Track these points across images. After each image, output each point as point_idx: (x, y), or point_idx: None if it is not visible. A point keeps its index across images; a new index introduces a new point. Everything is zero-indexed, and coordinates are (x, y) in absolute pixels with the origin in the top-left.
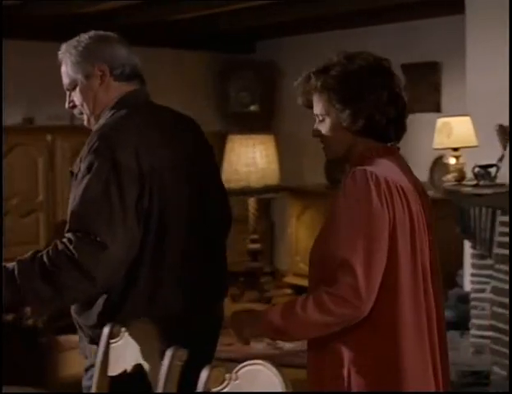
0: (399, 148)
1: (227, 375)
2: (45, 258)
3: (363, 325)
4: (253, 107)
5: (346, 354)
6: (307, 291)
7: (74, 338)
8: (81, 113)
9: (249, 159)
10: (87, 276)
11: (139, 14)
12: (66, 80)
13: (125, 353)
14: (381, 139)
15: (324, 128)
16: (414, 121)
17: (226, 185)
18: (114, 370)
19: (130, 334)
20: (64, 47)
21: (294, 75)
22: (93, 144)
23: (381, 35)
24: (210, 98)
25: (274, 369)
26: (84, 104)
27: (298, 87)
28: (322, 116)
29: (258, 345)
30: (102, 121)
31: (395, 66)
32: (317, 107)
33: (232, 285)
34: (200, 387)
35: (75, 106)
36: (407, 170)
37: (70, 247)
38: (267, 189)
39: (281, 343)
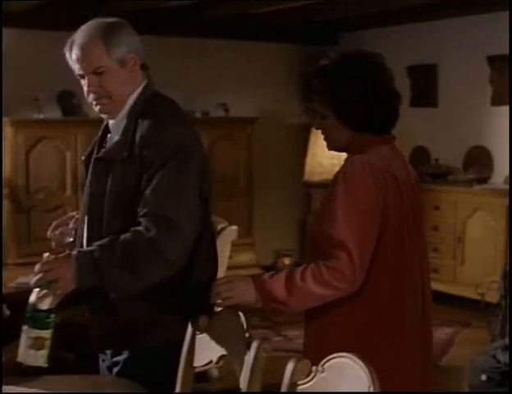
0: (394, 138)
1: (314, 368)
2: (125, 244)
3: (352, 299)
4: None
5: (338, 325)
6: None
7: None
8: (98, 99)
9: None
10: (166, 260)
11: (224, 7)
12: (94, 64)
13: (211, 344)
14: (378, 131)
15: (325, 125)
16: (500, 112)
17: (310, 178)
18: (199, 362)
19: (217, 325)
20: (90, 30)
21: None
22: (159, 135)
23: (467, 27)
24: (294, 90)
25: (361, 362)
26: (113, 91)
27: (302, 81)
28: (321, 113)
29: None
30: (134, 108)
31: (481, 58)
32: (317, 106)
33: None
34: (286, 379)
35: (97, 92)
36: (401, 160)
37: (150, 233)
38: None
39: None
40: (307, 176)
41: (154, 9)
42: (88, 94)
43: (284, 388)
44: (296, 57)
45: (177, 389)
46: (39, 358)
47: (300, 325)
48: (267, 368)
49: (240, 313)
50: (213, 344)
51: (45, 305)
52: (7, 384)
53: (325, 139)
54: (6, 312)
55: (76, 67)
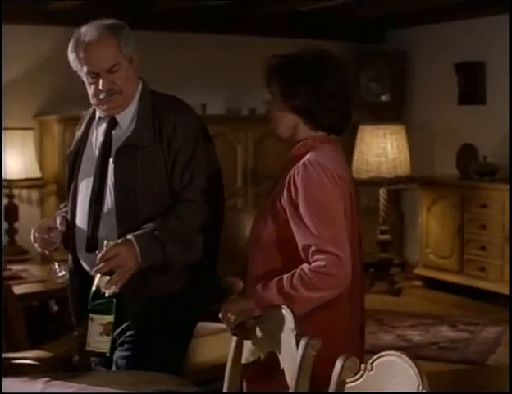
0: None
1: (362, 366)
2: (179, 221)
3: None
4: (383, 97)
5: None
6: (252, 268)
7: (210, 325)
8: (110, 96)
9: (380, 149)
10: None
11: (271, 5)
12: (110, 62)
13: (260, 341)
14: (320, 127)
15: (272, 106)
16: None
17: (357, 176)
18: (247, 358)
19: (266, 322)
20: (100, 30)
21: (424, 65)
22: (188, 126)
23: None
24: None
25: (409, 361)
26: (125, 87)
27: (263, 68)
28: (271, 93)
29: (387, 337)
30: (142, 100)
31: None
32: (269, 87)
33: None
34: (335, 376)
35: (110, 89)
36: (344, 160)
37: (197, 207)
38: (398, 179)
39: (410, 335)
40: (354, 174)
41: (199, 7)
42: (98, 93)
43: (332, 386)
44: (343, 54)
45: (225, 387)
46: (108, 343)
47: None
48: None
49: (289, 311)
50: (262, 341)
51: (111, 291)
52: (57, 379)
53: (268, 122)
54: (54, 307)
55: (87, 67)
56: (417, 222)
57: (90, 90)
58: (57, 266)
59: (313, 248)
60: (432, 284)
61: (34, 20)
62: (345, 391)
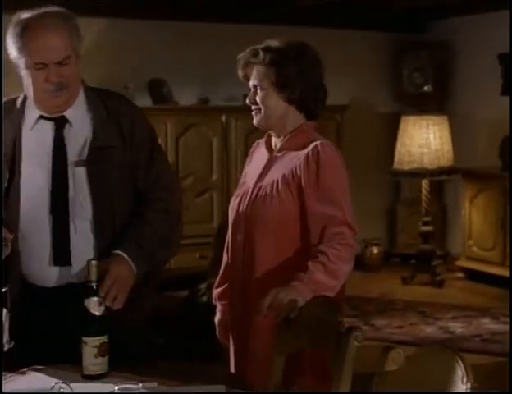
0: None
1: (406, 357)
2: (157, 223)
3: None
4: (426, 88)
5: None
6: (258, 244)
7: None
8: (58, 90)
9: (423, 140)
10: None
11: None
12: (62, 54)
13: (302, 333)
14: (310, 113)
15: (260, 97)
16: None
17: (399, 167)
18: (288, 348)
19: (309, 312)
20: (51, 19)
21: (468, 56)
22: (144, 123)
23: None
24: (383, 79)
25: (453, 353)
26: (73, 81)
27: (240, 59)
28: (261, 86)
29: (428, 329)
30: (89, 99)
31: None
32: (258, 79)
33: (404, 267)
34: (378, 367)
35: (59, 83)
36: None
37: (169, 204)
38: (441, 170)
39: (452, 328)
40: (396, 165)
41: None
42: (44, 86)
43: (376, 377)
44: (385, 44)
45: (269, 380)
46: (106, 364)
47: (388, 314)
48: (356, 358)
49: (331, 301)
50: (304, 332)
51: (101, 311)
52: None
53: (256, 114)
54: None
55: (34, 57)
56: (459, 214)
57: (32, 84)
58: None
59: (337, 218)
60: (474, 276)
61: (76, 11)
62: (388, 382)
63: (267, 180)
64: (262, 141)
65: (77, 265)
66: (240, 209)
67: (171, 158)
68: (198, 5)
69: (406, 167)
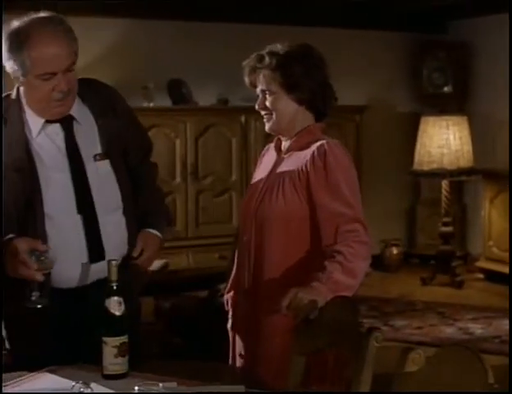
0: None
1: (426, 357)
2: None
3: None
4: (446, 88)
5: None
6: (271, 249)
7: None
8: (65, 97)
9: (443, 141)
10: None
11: None
12: (70, 60)
13: (321, 333)
14: (319, 113)
15: (270, 101)
16: None
17: (419, 167)
18: (308, 348)
19: (328, 312)
20: (57, 25)
21: (488, 56)
22: (135, 118)
23: None
24: (403, 79)
25: (474, 354)
26: (75, 85)
27: (246, 67)
28: (269, 91)
29: (448, 330)
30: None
31: None
32: (265, 84)
33: (423, 268)
34: (398, 368)
35: (69, 89)
36: None
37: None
38: (460, 171)
39: (471, 329)
40: (415, 166)
41: None
42: (51, 95)
43: (395, 378)
44: (405, 45)
45: (288, 379)
46: (125, 364)
47: (407, 315)
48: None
49: (350, 302)
50: (323, 332)
51: (121, 311)
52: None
53: (267, 120)
54: None
55: (41, 67)
56: (479, 215)
57: (37, 94)
58: None
59: (348, 216)
60: (494, 277)
61: (94, 12)
62: (408, 382)
63: (274, 180)
64: (271, 145)
65: (109, 257)
66: (247, 210)
67: (190, 158)
68: (218, 5)
69: (426, 168)
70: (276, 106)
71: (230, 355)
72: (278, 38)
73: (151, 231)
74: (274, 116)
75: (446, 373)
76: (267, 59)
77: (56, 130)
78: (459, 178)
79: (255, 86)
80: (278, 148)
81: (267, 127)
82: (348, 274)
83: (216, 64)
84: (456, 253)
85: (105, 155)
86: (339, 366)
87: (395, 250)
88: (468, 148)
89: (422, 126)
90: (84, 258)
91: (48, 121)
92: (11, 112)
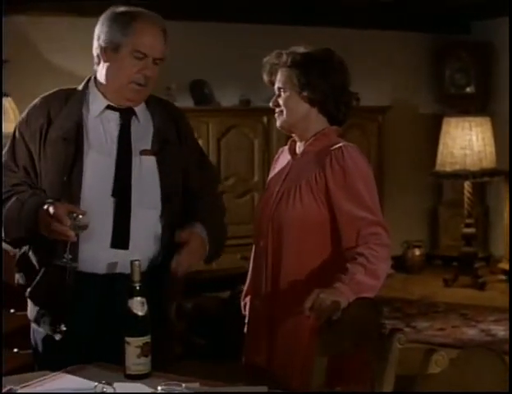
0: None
1: (449, 359)
2: (220, 209)
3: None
4: (468, 89)
5: None
6: (287, 253)
7: None
8: (145, 86)
9: (465, 142)
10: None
11: None
12: (162, 53)
13: (344, 335)
14: (332, 117)
15: (283, 99)
16: None
17: (441, 169)
18: (331, 350)
19: (351, 313)
20: (158, 17)
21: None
22: (188, 123)
23: None
24: (425, 80)
25: (498, 356)
26: (153, 82)
27: (265, 64)
28: (284, 88)
29: (470, 331)
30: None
31: None
32: (281, 81)
33: (446, 269)
34: (421, 370)
35: (150, 77)
36: None
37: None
38: (483, 172)
39: (494, 330)
40: (438, 167)
41: None
42: (135, 77)
43: (418, 380)
44: (428, 45)
45: (311, 381)
46: (148, 364)
47: (430, 316)
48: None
49: (373, 303)
50: (346, 334)
51: (144, 311)
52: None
53: (278, 116)
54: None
55: (140, 47)
56: (502, 216)
57: (122, 70)
58: None
59: (369, 219)
60: None
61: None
62: (431, 384)
63: (290, 184)
64: (285, 148)
65: (134, 250)
66: (263, 214)
67: (212, 158)
68: (240, 6)
69: (448, 169)
70: (287, 104)
71: (245, 358)
72: (302, 39)
73: (195, 227)
74: (284, 113)
75: (469, 375)
76: (284, 56)
77: (114, 117)
78: (481, 179)
79: (273, 84)
80: (293, 152)
81: (277, 123)
82: (370, 276)
83: (238, 65)
84: (479, 254)
85: (152, 152)
86: (360, 367)
87: (417, 252)
88: (490, 149)
89: (444, 127)
90: (107, 241)
91: (109, 108)
92: (74, 95)
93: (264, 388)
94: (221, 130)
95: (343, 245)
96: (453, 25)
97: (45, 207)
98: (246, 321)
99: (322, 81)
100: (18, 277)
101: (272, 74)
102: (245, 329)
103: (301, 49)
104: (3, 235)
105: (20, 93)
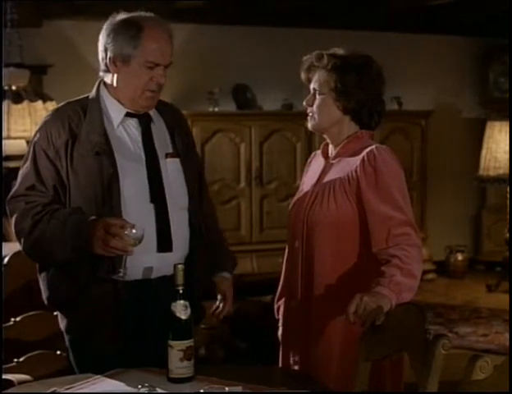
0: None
1: (493, 366)
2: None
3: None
4: None
5: None
6: (320, 253)
7: None
8: (157, 91)
9: (509, 146)
10: None
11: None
12: (171, 58)
13: (388, 340)
14: (364, 125)
15: (318, 101)
16: None
17: (485, 173)
18: (375, 354)
19: (395, 318)
20: (166, 24)
21: None
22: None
23: None
24: (469, 84)
25: None
26: (163, 87)
27: (304, 62)
28: (320, 91)
29: None
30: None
31: None
32: (318, 84)
33: (489, 274)
34: (465, 376)
35: (162, 84)
36: None
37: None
38: None
39: None
40: (481, 171)
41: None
42: (149, 85)
43: (462, 386)
44: (471, 49)
45: (354, 385)
46: (191, 368)
47: (472, 322)
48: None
49: (417, 308)
50: (390, 339)
51: (187, 315)
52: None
53: (310, 117)
54: None
55: (152, 57)
56: None
57: (137, 80)
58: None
59: (399, 219)
60: None
61: (161, 17)
62: (475, 390)
63: (324, 186)
64: (318, 152)
65: (176, 252)
66: (298, 216)
67: (255, 162)
68: (283, 10)
69: (492, 174)
70: (320, 108)
71: (281, 362)
72: (344, 43)
73: (225, 276)
74: (316, 117)
75: None
76: (325, 59)
77: (134, 124)
78: None
79: (310, 81)
80: (326, 155)
81: (309, 125)
82: (407, 276)
83: (281, 69)
84: None
85: (175, 154)
86: (397, 372)
87: (460, 257)
88: None
89: (488, 131)
90: (154, 247)
91: (127, 115)
92: (90, 106)
93: (306, 392)
94: (263, 134)
95: (373, 245)
96: (496, 29)
97: (97, 225)
98: (280, 324)
99: (359, 91)
100: (53, 293)
101: (310, 73)
102: (279, 332)
103: (341, 52)
104: (42, 259)
105: (64, 96)
